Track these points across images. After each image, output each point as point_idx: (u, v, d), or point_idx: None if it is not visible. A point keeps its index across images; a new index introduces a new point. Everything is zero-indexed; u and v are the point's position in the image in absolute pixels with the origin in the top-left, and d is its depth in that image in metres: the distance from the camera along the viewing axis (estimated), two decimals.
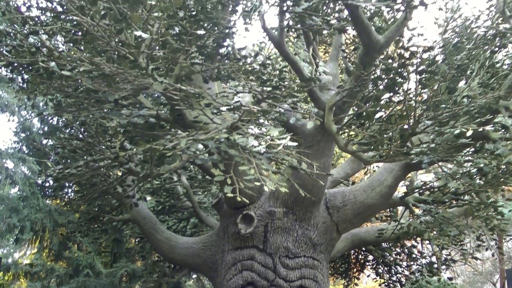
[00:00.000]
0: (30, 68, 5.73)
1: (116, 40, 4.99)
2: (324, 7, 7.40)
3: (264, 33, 6.88)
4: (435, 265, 11.18)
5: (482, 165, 6.83)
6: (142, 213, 8.97)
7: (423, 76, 5.72)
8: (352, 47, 10.04)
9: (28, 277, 15.23)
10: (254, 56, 6.65)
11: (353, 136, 6.26)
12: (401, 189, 10.28)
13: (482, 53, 7.08)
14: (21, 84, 7.13)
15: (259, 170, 4.81)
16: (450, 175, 7.26)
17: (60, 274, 14.85)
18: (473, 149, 7.15)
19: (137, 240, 13.74)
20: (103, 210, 9.80)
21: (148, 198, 13.00)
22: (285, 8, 6.67)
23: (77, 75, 4.93)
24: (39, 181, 14.35)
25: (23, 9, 6.06)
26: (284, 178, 6.73)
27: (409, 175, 9.78)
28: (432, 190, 8.26)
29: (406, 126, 5.34)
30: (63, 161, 8.62)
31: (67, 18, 5.26)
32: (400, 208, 9.99)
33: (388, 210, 11.65)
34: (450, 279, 11.19)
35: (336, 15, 7.34)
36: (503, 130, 6.59)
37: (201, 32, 5.07)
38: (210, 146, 4.94)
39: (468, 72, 7.02)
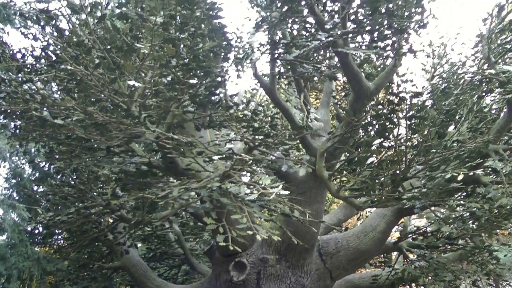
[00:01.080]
0: (23, 115, 5.75)
1: (110, 88, 5.03)
2: (315, 55, 7.53)
3: (256, 80, 6.98)
4: None
5: (474, 209, 6.84)
6: (133, 260, 8.85)
7: (413, 121, 5.79)
8: (343, 94, 10.17)
9: None
10: (246, 104, 6.72)
11: (345, 182, 6.28)
12: (394, 234, 10.25)
13: (470, 98, 7.19)
14: (13, 131, 7.13)
15: (251, 218, 4.80)
16: (443, 219, 7.26)
17: None
18: (464, 193, 7.18)
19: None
20: (93, 257, 9.66)
21: (139, 245, 12.85)
22: (276, 56, 6.79)
23: (69, 124, 4.95)
24: (29, 228, 14.18)
25: (18, 55, 6.12)
26: (276, 226, 6.70)
27: (402, 220, 9.77)
28: (425, 235, 8.24)
29: (397, 171, 5.36)
30: (54, 208, 8.55)
31: (61, 67, 5.31)
32: (395, 254, 9.94)
33: (382, 255, 11.57)
34: None
35: (327, 62, 7.48)
36: (493, 174, 6.64)
37: (193, 81, 5.13)
38: (202, 194, 4.93)
39: (457, 117, 7.11)
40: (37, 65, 5.92)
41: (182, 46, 5.69)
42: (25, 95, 5.49)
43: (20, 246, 13.60)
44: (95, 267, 9.61)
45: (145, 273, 8.70)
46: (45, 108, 5.17)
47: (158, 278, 8.79)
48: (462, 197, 7.30)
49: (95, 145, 5.93)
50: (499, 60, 7.30)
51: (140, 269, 8.76)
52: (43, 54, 5.99)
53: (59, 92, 6.23)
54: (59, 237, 12.71)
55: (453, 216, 7.40)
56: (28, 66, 5.83)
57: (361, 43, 6.61)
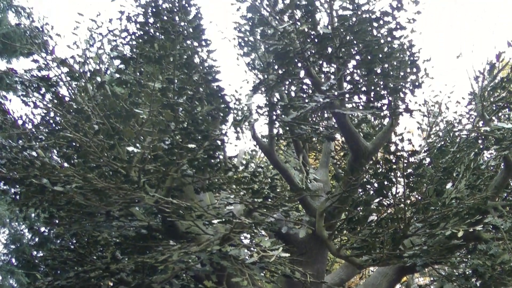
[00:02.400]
0: (23, 181, 5.79)
1: (109, 154, 5.10)
2: (313, 116, 7.64)
3: (255, 142, 7.06)
4: None
5: (477, 266, 6.79)
6: None
7: (411, 179, 5.83)
8: (342, 153, 10.23)
9: None
10: (245, 166, 6.78)
11: (345, 241, 6.27)
12: None
13: (467, 156, 7.25)
14: (13, 197, 7.15)
15: (252, 281, 4.78)
16: (445, 277, 7.19)
17: None
18: (466, 251, 7.14)
19: None
20: None
21: None
22: (274, 117, 6.90)
23: (69, 190, 4.99)
24: None
25: (19, 122, 6.22)
26: (277, 287, 6.62)
27: (405, 278, 9.65)
28: None
29: (397, 229, 5.37)
30: (53, 272, 8.48)
31: (61, 133, 5.40)
32: None
33: None
34: None
35: (325, 123, 7.58)
36: (494, 231, 6.62)
37: (192, 145, 5.20)
38: (203, 258, 4.92)
39: (454, 174, 7.16)
40: (37, 132, 6.01)
41: (180, 110, 5.80)
42: (25, 161, 5.55)
43: None
44: None
45: None
46: (45, 175, 5.22)
47: None
48: (464, 254, 7.25)
49: (95, 210, 5.95)
50: (493, 117, 7.40)
51: None
52: (43, 121, 6.11)
53: (58, 159, 6.29)
54: None
55: (456, 273, 7.34)
56: (29, 133, 5.92)
57: (357, 104, 6.73)
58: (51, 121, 5.95)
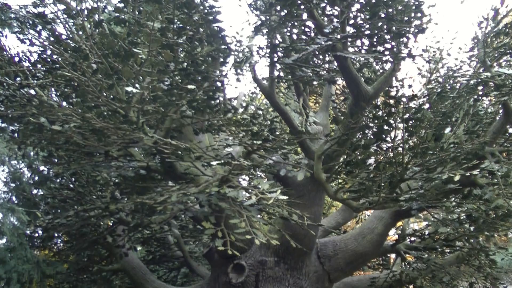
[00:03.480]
0: (21, 120, 5.77)
1: (107, 94, 5.05)
2: (314, 58, 7.56)
3: (255, 84, 6.99)
4: None
5: (471, 210, 6.88)
6: (132, 263, 8.87)
7: (410, 124, 5.82)
8: (342, 98, 10.19)
9: None
10: (244, 107, 6.74)
11: (342, 184, 6.31)
12: (393, 238, 10.27)
13: (466, 102, 7.23)
14: (11, 134, 7.14)
15: (250, 223, 4.83)
16: (440, 221, 7.29)
17: None
18: (461, 195, 7.21)
19: None
20: (93, 260, 9.67)
21: (139, 248, 12.85)
22: (275, 59, 6.81)
23: (67, 130, 4.97)
24: (28, 232, 14.19)
25: (16, 59, 6.13)
26: (275, 229, 6.72)
27: (401, 223, 9.79)
28: (423, 237, 8.27)
29: (394, 173, 5.40)
30: (53, 211, 8.58)
31: (59, 72, 5.33)
32: (393, 257, 9.96)
33: (380, 258, 11.59)
34: None
35: (326, 66, 7.50)
36: (489, 176, 6.67)
37: (191, 86, 5.15)
38: (201, 199, 4.96)
39: (453, 120, 7.15)
40: (34, 70, 5.93)
41: (180, 50, 5.71)
42: (23, 99, 5.51)
43: (19, 249, 13.58)
44: (94, 269, 9.62)
45: (144, 276, 8.72)
46: (42, 114, 5.18)
47: (157, 281, 8.81)
48: (459, 199, 7.32)
49: (93, 150, 5.94)
50: (495, 64, 7.33)
51: (139, 272, 8.78)
52: (40, 59, 6.02)
53: (56, 98, 6.24)
54: (59, 240, 12.72)
55: (450, 218, 7.44)
56: (26, 71, 5.84)
57: (360, 47, 6.64)
58: (48, 59, 5.86)
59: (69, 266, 10.78)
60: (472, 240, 8.35)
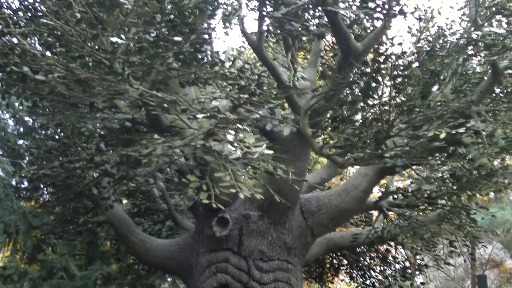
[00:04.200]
0: (4, 68, 5.65)
1: (92, 45, 4.95)
2: (304, 13, 7.45)
3: (243, 37, 6.90)
4: (409, 270, 11.30)
5: (455, 169, 6.95)
6: (117, 215, 8.92)
7: (397, 81, 5.80)
8: (331, 54, 10.11)
9: (1, 280, 14.98)
10: (232, 61, 6.66)
11: (328, 139, 6.32)
12: (376, 196, 10.40)
13: (455, 61, 7.21)
14: None
15: (234, 176, 4.84)
16: (424, 179, 7.38)
17: (33, 277, 14.63)
18: (446, 154, 7.27)
19: (112, 242, 13.65)
20: (78, 212, 9.72)
21: (124, 201, 12.91)
22: (264, 13, 6.70)
23: (51, 80, 4.89)
24: (14, 183, 14.16)
25: None
26: (259, 183, 6.76)
27: (385, 181, 9.90)
28: (406, 194, 8.37)
29: (380, 130, 5.41)
30: (38, 162, 8.55)
31: (41, 21, 5.20)
32: (376, 214, 10.12)
33: (363, 215, 11.77)
34: (422, 284, 11.35)
35: (316, 21, 7.40)
36: (475, 136, 6.72)
37: (178, 38, 5.06)
38: (186, 152, 4.94)
39: (441, 78, 7.14)
40: (16, 18, 5.79)
41: (167, 2, 5.59)
42: (5, 47, 5.38)
43: (5, 200, 13.56)
44: (80, 221, 9.68)
45: (129, 228, 8.79)
46: (25, 63, 5.08)
47: (142, 233, 8.88)
48: (444, 157, 7.39)
49: (78, 101, 5.87)
50: (486, 24, 7.28)
51: (125, 224, 8.83)
52: (22, 6, 5.86)
53: (39, 47, 6.11)
54: (45, 192, 12.72)
55: (434, 176, 7.53)
56: (7, 18, 5.69)
57: (351, 3, 6.55)
58: (30, 7, 5.71)
59: (55, 217, 10.83)
60: (454, 199, 8.47)
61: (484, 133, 6.16)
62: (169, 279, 19.92)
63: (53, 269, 14.56)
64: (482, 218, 8.90)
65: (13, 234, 14.25)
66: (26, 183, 13.90)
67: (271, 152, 4.83)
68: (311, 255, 9.16)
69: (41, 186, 10.90)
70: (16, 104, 13.63)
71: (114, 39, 4.70)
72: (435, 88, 6.71)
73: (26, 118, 13.89)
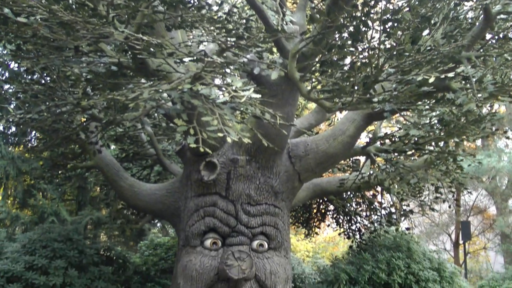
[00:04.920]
0: None
1: None
2: None
3: None
4: (394, 216, 11.50)
5: (443, 114, 6.96)
6: (105, 160, 8.93)
7: (388, 24, 5.73)
8: None
9: None
10: (219, 4, 6.53)
11: (316, 83, 6.28)
12: (364, 142, 10.45)
13: (447, 6, 7.11)
14: None
15: (222, 121, 4.83)
16: (412, 124, 7.40)
17: (25, 222, 14.81)
18: (434, 100, 7.28)
19: (101, 188, 13.74)
20: (67, 157, 9.71)
21: (112, 146, 12.92)
22: None
23: (33, 22, 4.77)
24: (1, 128, 14.10)
25: None
26: (247, 128, 6.75)
27: (373, 127, 9.92)
28: (393, 140, 8.41)
29: (369, 74, 5.38)
30: (25, 106, 8.47)
31: None
32: (363, 160, 10.19)
33: (350, 161, 11.86)
34: (407, 229, 11.57)
35: None
36: (463, 82, 6.71)
37: None
38: (173, 96, 4.91)
39: (432, 23, 7.06)
40: None
41: None
42: None
43: None
44: (69, 166, 9.69)
45: (118, 173, 8.82)
46: (6, 5, 4.94)
47: (130, 177, 8.92)
48: (432, 103, 7.39)
49: (62, 45, 5.76)
50: None
51: (113, 169, 8.86)
52: None
53: None
54: (32, 137, 12.69)
55: (422, 121, 7.55)
56: None
57: None
58: None
59: (44, 162, 10.84)
60: (441, 145, 8.54)
61: (473, 78, 6.15)
62: (158, 225, 20.22)
63: (44, 214, 14.74)
64: (469, 165, 9.02)
65: (3, 179, 14.29)
66: (13, 128, 13.84)
67: (258, 96, 4.81)
68: (298, 200, 9.27)
69: (29, 131, 10.87)
70: (0, 48, 13.41)
71: None
72: (425, 33, 6.65)
73: (12, 65, 13.69)
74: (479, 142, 24.56)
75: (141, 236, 17.96)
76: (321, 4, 9.66)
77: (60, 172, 10.20)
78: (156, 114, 10.97)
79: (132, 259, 11.72)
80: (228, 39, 5.64)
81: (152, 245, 13.47)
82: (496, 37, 7.48)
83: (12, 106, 10.96)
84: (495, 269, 24.58)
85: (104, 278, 8.48)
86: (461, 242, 21.85)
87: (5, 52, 13.26)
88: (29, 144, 12.13)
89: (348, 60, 5.92)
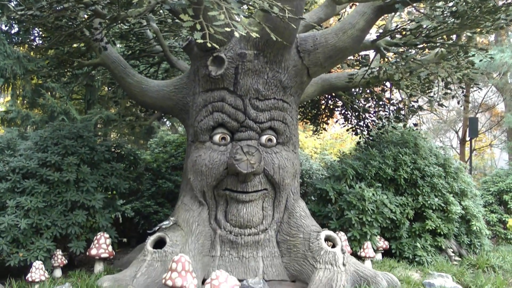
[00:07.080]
0: None
1: None
2: None
3: None
4: (402, 112, 11.49)
5: (457, 4, 6.73)
6: (111, 57, 8.84)
7: None
8: None
9: (5, 124, 15.37)
10: None
11: None
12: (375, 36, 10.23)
13: None
14: None
15: (229, 15, 4.70)
16: (424, 15, 7.18)
17: (35, 120, 14.98)
18: None
19: (109, 86, 13.73)
20: (72, 55, 9.62)
21: (118, 44, 12.73)
22: None
23: None
24: (4, 27, 13.88)
25: None
26: (255, 22, 6.59)
27: (384, 22, 9.65)
28: (404, 33, 8.21)
29: None
30: (26, 2, 8.28)
31: None
32: (372, 56, 10.03)
33: (359, 56, 11.67)
34: (415, 125, 11.57)
35: None
36: None
37: None
38: None
39: None
40: None
41: None
42: None
43: None
44: (75, 64, 9.62)
45: (125, 70, 8.76)
46: None
47: (138, 74, 8.87)
48: None
49: None
50: None
51: (120, 66, 8.80)
52: None
53: None
54: (36, 37, 12.50)
55: (435, 13, 7.33)
56: None
57: None
58: None
59: (50, 61, 10.76)
60: (453, 37, 8.33)
61: None
62: (168, 123, 20.40)
63: (54, 112, 14.87)
64: (480, 60, 8.83)
65: (10, 78, 14.29)
66: (16, 28, 13.62)
67: None
68: (306, 95, 9.25)
69: (32, 28, 10.68)
70: None
71: None
72: None
73: None
74: (491, 37, 24.04)
75: (150, 134, 18.22)
76: None
77: (66, 70, 10.15)
78: (161, 10, 10.72)
79: (142, 156, 11.91)
80: None
81: (162, 143, 13.65)
82: None
83: (12, 3, 10.70)
84: (499, 166, 24.93)
85: (116, 174, 8.65)
86: (467, 138, 21.99)
87: None
88: (34, 43, 11.93)
89: None
